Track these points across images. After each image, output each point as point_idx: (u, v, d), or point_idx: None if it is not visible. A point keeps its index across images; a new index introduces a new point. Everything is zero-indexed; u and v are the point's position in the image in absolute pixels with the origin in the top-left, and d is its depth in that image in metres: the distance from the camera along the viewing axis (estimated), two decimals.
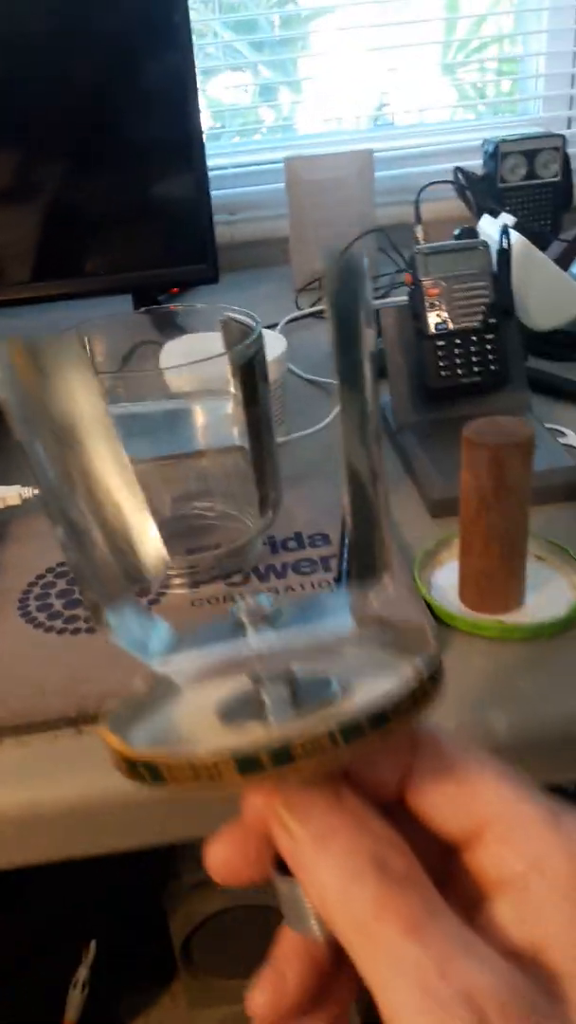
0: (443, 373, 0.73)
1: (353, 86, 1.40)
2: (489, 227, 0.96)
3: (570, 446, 0.73)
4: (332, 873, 0.22)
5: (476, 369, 0.74)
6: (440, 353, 0.73)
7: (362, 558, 0.25)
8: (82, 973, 1.02)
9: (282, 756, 0.21)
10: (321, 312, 1.09)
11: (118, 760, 0.23)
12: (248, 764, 0.21)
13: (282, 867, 0.25)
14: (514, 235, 0.90)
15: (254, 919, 1.06)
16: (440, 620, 0.55)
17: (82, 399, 0.24)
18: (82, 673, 0.51)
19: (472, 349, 0.74)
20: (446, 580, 0.58)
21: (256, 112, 1.48)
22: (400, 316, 0.76)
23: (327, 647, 0.26)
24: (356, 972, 0.21)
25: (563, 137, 1.24)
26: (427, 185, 1.18)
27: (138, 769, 0.22)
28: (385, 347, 0.77)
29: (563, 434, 0.75)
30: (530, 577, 0.56)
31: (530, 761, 0.48)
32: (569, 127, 1.39)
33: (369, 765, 0.24)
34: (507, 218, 0.97)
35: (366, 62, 1.38)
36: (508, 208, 1.15)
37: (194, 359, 0.52)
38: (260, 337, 0.53)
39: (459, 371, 0.73)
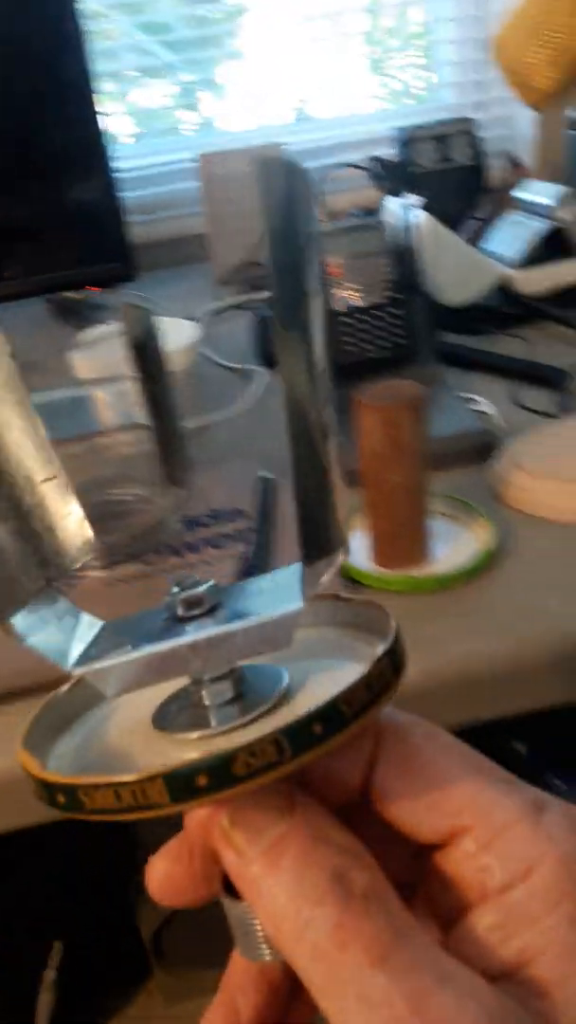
0: (351, 349, 0.75)
1: (274, 82, 1.42)
2: (395, 208, 0.98)
3: (482, 412, 0.76)
4: (285, 894, 0.19)
5: (383, 344, 0.76)
6: (346, 329, 0.75)
7: (313, 531, 0.21)
8: (49, 976, 1.02)
9: (220, 776, 0.18)
10: (240, 304, 1.11)
11: (32, 782, 0.20)
12: (181, 786, 0.18)
13: (230, 886, 0.22)
14: (420, 214, 0.92)
15: (223, 909, 1.07)
16: (353, 580, 0.56)
17: None
18: None
19: (378, 324, 0.76)
20: (358, 544, 0.60)
21: (174, 115, 1.49)
22: None
23: (275, 636, 0.22)
24: (308, 995, 0.19)
25: (471, 121, 1.28)
26: (330, 168, 1.20)
27: (55, 795, 0.20)
28: None
29: (475, 401, 0.77)
30: (439, 534, 0.58)
31: (436, 703, 0.50)
32: (479, 112, 1.43)
33: (325, 761, 0.21)
34: (411, 199, 1.00)
35: (286, 58, 1.40)
36: (426, 192, 1.18)
37: (102, 347, 0.53)
38: (148, 316, 0.55)
39: (366, 346, 0.75)
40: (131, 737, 0.22)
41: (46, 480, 0.22)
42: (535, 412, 0.75)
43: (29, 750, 0.21)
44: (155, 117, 1.47)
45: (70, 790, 0.19)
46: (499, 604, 0.53)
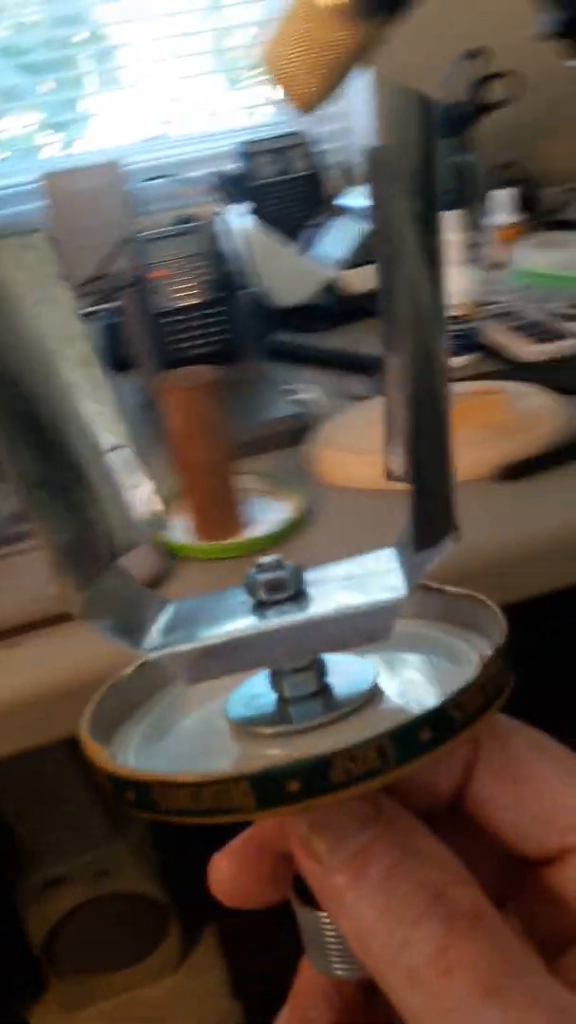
0: (179, 346, 0.80)
1: (135, 103, 1.47)
2: (227, 216, 1.04)
3: (302, 400, 0.81)
4: (375, 910, 0.17)
5: (209, 341, 0.81)
6: (174, 328, 0.80)
7: (428, 511, 0.19)
8: None
9: (315, 782, 0.16)
10: (91, 312, 1.15)
11: (101, 775, 0.19)
12: (270, 791, 0.16)
13: (303, 893, 0.20)
14: (247, 220, 0.98)
15: (115, 909, 1.08)
16: (172, 554, 0.61)
17: (53, 315, 0.19)
18: None
19: (203, 323, 0.81)
20: (180, 522, 0.64)
21: (34, 137, 1.52)
22: (133, 298, 0.82)
23: (373, 627, 0.20)
24: (387, 1011, 0.18)
25: (305, 134, 1.35)
26: (177, 183, 1.25)
27: (124, 791, 0.18)
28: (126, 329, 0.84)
29: (296, 391, 0.83)
30: (254, 508, 0.63)
31: None
32: (322, 124, 1.50)
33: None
34: (241, 208, 1.06)
35: (148, 79, 1.45)
36: (268, 202, 1.25)
37: None
38: None
39: (193, 343, 0.80)
40: (201, 729, 0.21)
41: (114, 449, 0.21)
42: (353, 398, 0.82)
43: (92, 737, 0.19)
44: (14, 141, 1.49)
45: (143, 787, 0.17)
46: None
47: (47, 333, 0.19)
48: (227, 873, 0.21)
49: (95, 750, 0.19)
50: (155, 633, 0.20)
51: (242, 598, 0.21)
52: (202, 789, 0.17)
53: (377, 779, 0.16)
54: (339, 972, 0.21)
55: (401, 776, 0.17)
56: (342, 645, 0.20)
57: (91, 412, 0.20)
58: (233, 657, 0.20)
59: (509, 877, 0.20)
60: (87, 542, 0.20)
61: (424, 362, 0.18)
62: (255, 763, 0.16)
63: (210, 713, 0.21)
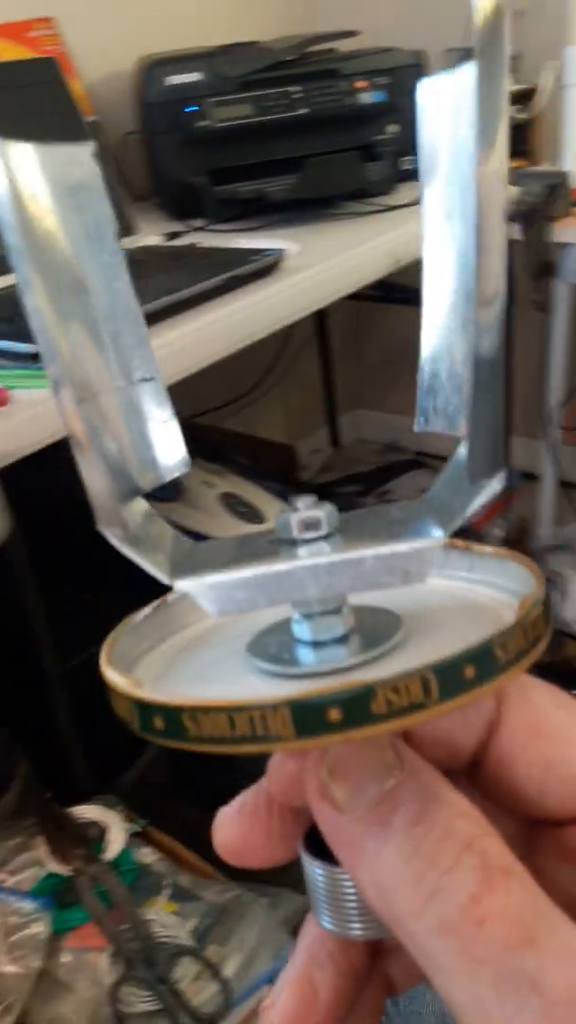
0: None
1: None
2: None
3: None
4: (400, 858, 0.17)
5: None
6: None
7: (480, 448, 0.18)
8: None
9: (357, 711, 0.16)
10: None
11: (123, 703, 0.18)
12: (310, 718, 0.16)
13: (314, 846, 0.20)
14: None
15: None
16: None
17: (92, 230, 0.19)
18: None
19: None
20: None
21: None
22: None
23: (408, 568, 0.19)
24: (391, 972, 0.18)
25: None
26: None
27: (152, 718, 0.17)
28: None
29: None
30: None
31: None
32: None
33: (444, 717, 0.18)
34: None
35: None
36: None
37: None
38: None
39: None
40: (224, 669, 0.20)
41: (143, 380, 0.20)
42: None
43: (116, 667, 0.19)
44: None
45: (173, 713, 0.17)
46: None
47: (89, 252, 0.19)
48: (236, 830, 0.21)
49: (115, 676, 0.18)
50: (181, 566, 0.20)
51: (269, 536, 0.20)
52: (238, 714, 0.16)
53: (419, 714, 0.16)
54: (352, 930, 0.20)
55: (441, 713, 0.16)
56: (377, 585, 0.19)
57: (125, 340, 0.20)
58: (264, 591, 0.19)
59: (526, 838, 0.20)
60: (121, 468, 0.19)
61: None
62: (295, 690, 0.16)
63: (232, 654, 0.20)
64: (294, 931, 0.96)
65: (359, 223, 1.23)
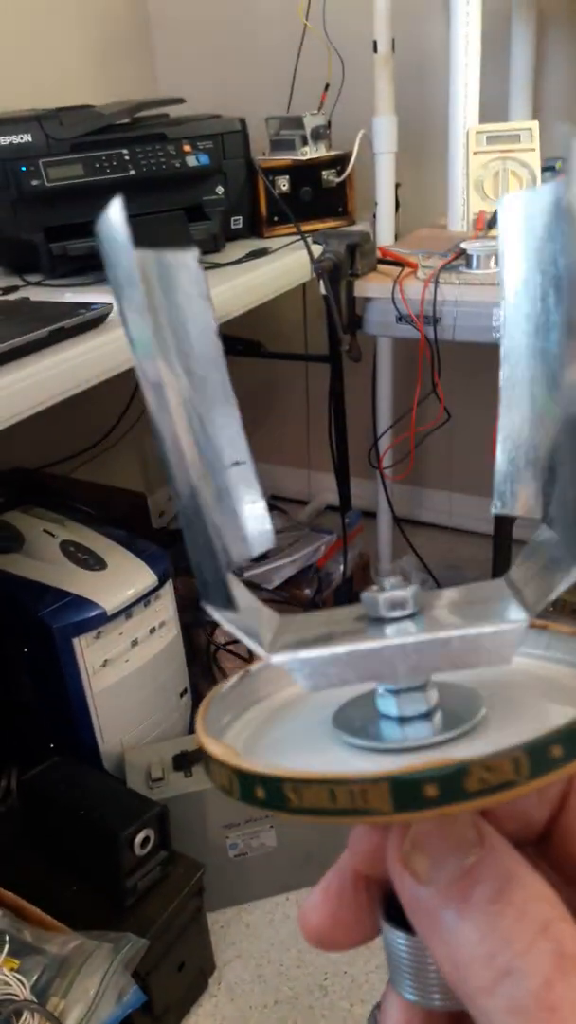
0: None
1: None
2: None
3: None
4: (477, 934, 0.17)
5: None
6: None
7: (566, 533, 0.19)
8: None
9: (452, 788, 0.16)
10: None
11: (223, 772, 0.18)
12: (408, 794, 0.16)
13: (394, 916, 0.20)
14: None
15: None
16: None
17: (196, 315, 0.20)
18: None
19: None
20: None
21: None
22: None
23: (493, 650, 0.19)
24: None
25: None
26: None
27: (253, 788, 0.18)
28: None
29: None
30: None
31: None
32: None
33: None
34: None
35: None
36: None
37: None
38: None
39: None
40: (312, 737, 0.20)
41: (235, 464, 0.21)
42: None
43: (214, 737, 0.19)
44: None
45: (274, 783, 0.17)
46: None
47: (195, 346, 0.20)
48: (326, 912, 0.21)
49: (220, 747, 0.18)
50: (273, 641, 0.20)
51: (356, 614, 0.21)
52: (339, 788, 0.16)
53: (509, 791, 0.16)
54: (431, 1000, 0.20)
55: (530, 791, 0.16)
56: (463, 665, 0.19)
57: (218, 425, 0.21)
58: (355, 668, 0.19)
59: None
60: (216, 550, 0.19)
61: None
62: (393, 766, 0.16)
63: (317, 725, 0.21)
64: (135, 974, 0.96)
65: None
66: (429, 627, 0.20)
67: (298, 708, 0.22)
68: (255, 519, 0.21)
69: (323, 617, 0.22)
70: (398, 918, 0.20)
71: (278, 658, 0.20)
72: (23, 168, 1.33)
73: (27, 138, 1.35)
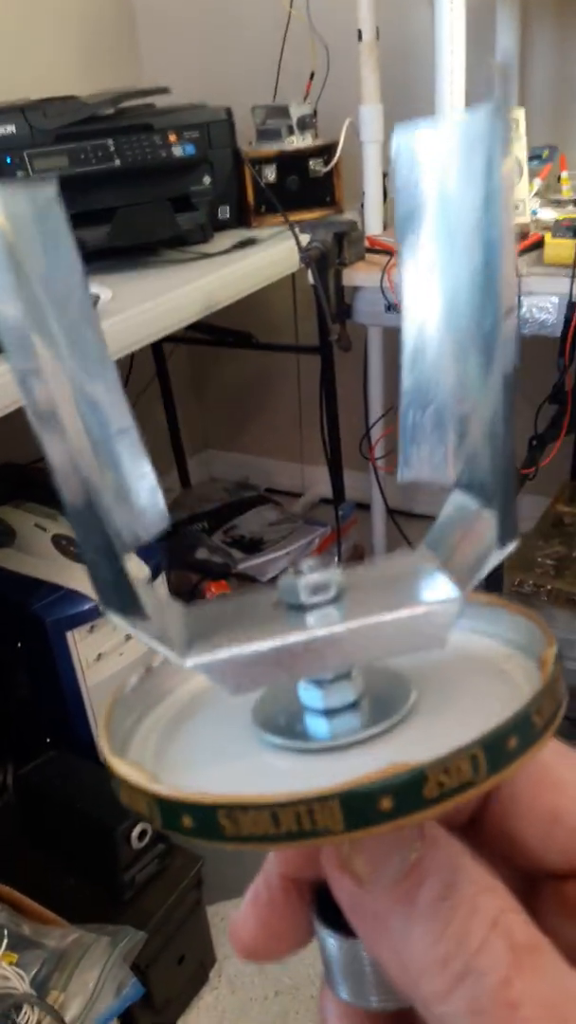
0: None
1: None
2: None
3: None
4: (428, 937, 0.16)
5: None
6: None
7: (509, 510, 0.18)
8: None
9: (409, 798, 0.15)
10: None
11: (139, 799, 0.16)
12: (361, 809, 0.14)
13: (328, 918, 0.19)
14: None
15: None
16: None
17: (61, 274, 0.17)
18: None
19: None
20: None
21: None
22: None
23: (427, 632, 0.18)
24: None
25: None
26: None
27: (178, 817, 0.15)
28: None
29: None
30: None
31: None
32: None
33: None
34: None
35: None
36: None
37: None
38: None
39: None
40: (231, 739, 0.18)
41: (120, 432, 0.18)
42: None
43: (121, 757, 0.17)
44: None
45: (206, 812, 0.15)
46: None
47: (57, 294, 0.17)
48: (256, 924, 0.19)
49: (131, 768, 0.16)
50: (183, 639, 0.18)
51: (272, 600, 0.19)
52: (283, 811, 0.15)
53: (468, 792, 0.15)
54: (372, 1002, 0.19)
55: (488, 788, 0.15)
56: (397, 652, 0.18)
57: (98, 390, 0.18)
58: (283, 666, 0.17)
59: (523, 892, 0.19)
60: (108, 537, 0.17)
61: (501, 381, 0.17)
62: (342, 781, 0.15)
63: (234, 725, 0.19)
64: (135, 967, 0.96)
65: (175, 270, 1.28)
66: (355, 612, 0.18)
67: (209, 703, 0.20)
68: (147, 493, 0.18)
69: (234, 605, 0.19)
70: (332, 918, 0.19)
71: (194, 661, 0.18)
72: (8, 159, 1.32)
73: (11, 129, 1.34)
